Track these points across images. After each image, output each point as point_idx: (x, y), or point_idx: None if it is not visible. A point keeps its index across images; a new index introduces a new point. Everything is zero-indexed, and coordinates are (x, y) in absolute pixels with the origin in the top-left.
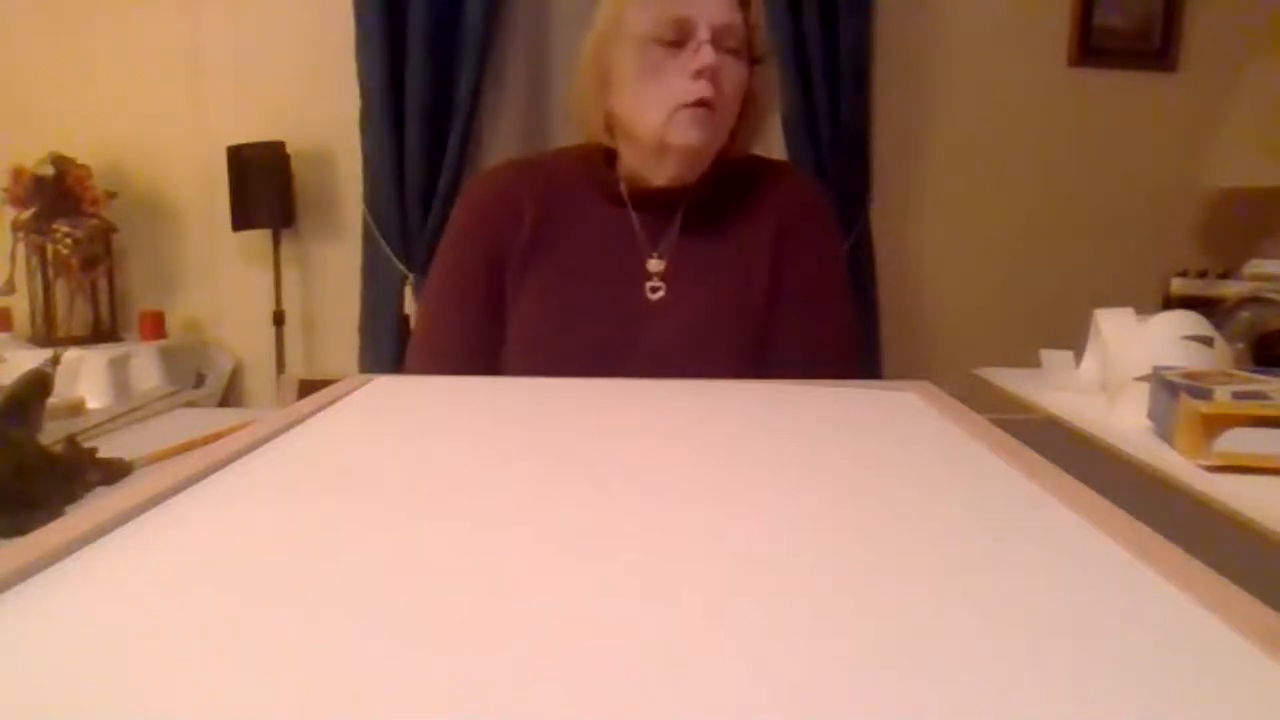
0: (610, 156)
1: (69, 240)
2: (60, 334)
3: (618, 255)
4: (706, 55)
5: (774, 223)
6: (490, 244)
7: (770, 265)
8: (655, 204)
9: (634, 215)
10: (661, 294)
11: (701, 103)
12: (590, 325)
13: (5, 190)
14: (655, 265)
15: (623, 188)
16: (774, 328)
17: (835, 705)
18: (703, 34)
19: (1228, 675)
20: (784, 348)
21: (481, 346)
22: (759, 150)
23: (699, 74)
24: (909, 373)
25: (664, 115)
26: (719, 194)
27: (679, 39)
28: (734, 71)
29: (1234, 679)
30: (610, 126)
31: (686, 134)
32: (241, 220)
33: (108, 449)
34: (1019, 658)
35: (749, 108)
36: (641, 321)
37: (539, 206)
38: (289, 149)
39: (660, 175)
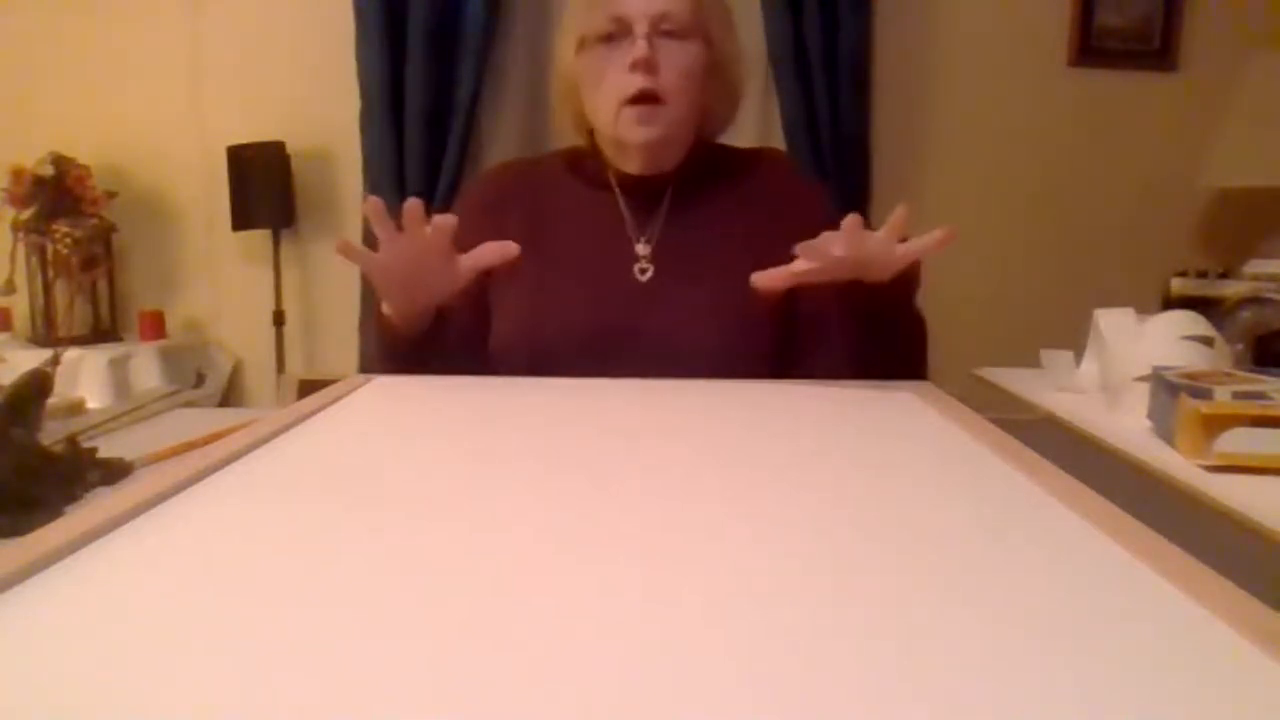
0: (597, 150)
1: (69, 240)
2: (60, 334)
3: (606, 239)
4: (640, 48)
5: (766, 203)
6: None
7: (768, 244)
8: (642, 189)
9: (621, 200)
10: (650, 275)
11: (642, 96)
12: (581, 308)
13: (5, 190)
14: (643, 248)
15: (610, 175)
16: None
17: (835, 705)
18: (639, 27)
19: (1227, 675)
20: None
21: (464, 324)
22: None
23: (634, 66)
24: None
25: (612, 113)
26: (705, 176)
27: (618, 34)
28: (679, 55)
29: (1234, 679)
30: (584, 127)
31: (634, 131)
32: (241, 220)
33: (108, 449)
34: (1019, 658)
35: (715, 83)
36: (632, 302)
37: (528, 206)
38: (289, 149)
39: (631, 167)
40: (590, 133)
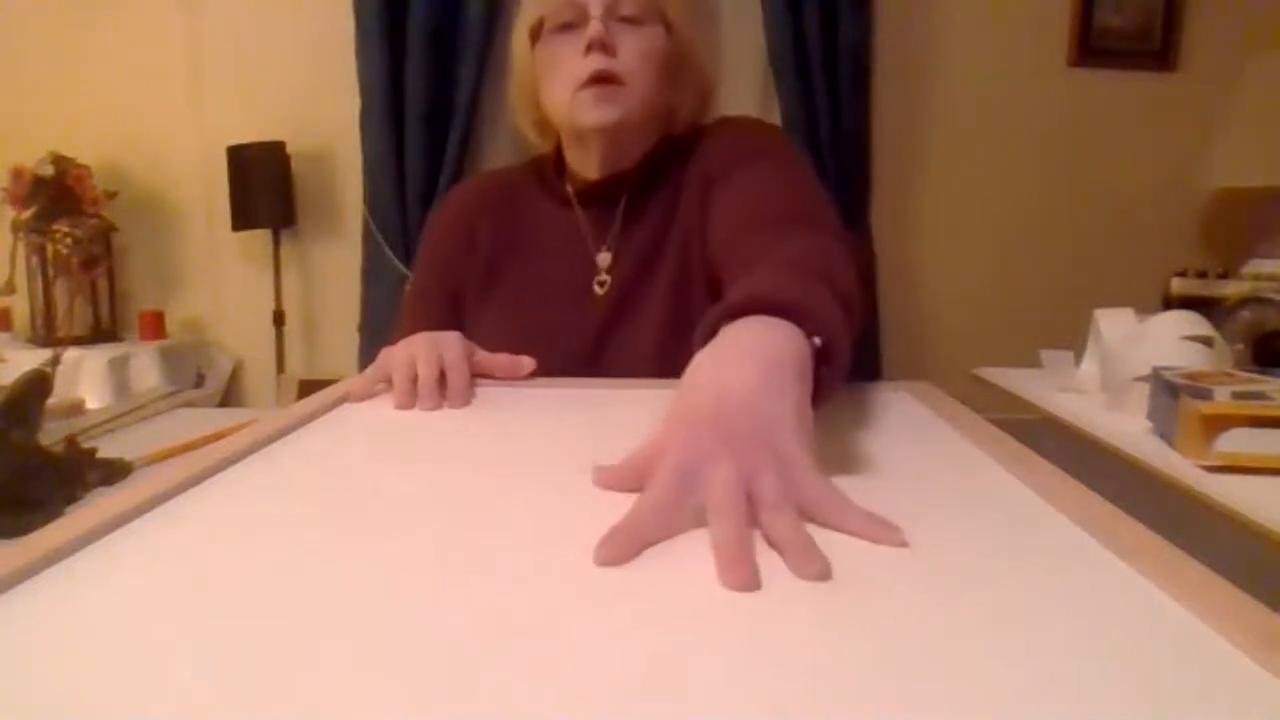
0: (560, 162)
1: (69, 240)
2: (60, 334)
3: (569, 256)
4: (594, 28)
5: (700, 178)
6: (444, 269)
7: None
8: (599, 199)
9: (580, 214)
10: (606, 286)
11: (598, 78)
12: (545, 331)
13: (5, 190)
14: (603, 260)
15: (569, 188)
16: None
17: (834, 706)
18: (594, 10)
19: (1226, 677)
20: (718, 226)
21: None
22: None
23: (589, 48)
24: (909, 373)
25: (568, 99)
26: (658, 172)
27: (574, 22)
28: (637, 39)
29: (1233, 681)
30: (544, 128)
31: (590, 114)
32: (241, 220)
33: (108, 449)
34: (1017, 659)
35: (679, 73)
36: (592, 322)
37: (495, 224)
38: (289, 149)
39: (592, 165)
40: (557, 142)
